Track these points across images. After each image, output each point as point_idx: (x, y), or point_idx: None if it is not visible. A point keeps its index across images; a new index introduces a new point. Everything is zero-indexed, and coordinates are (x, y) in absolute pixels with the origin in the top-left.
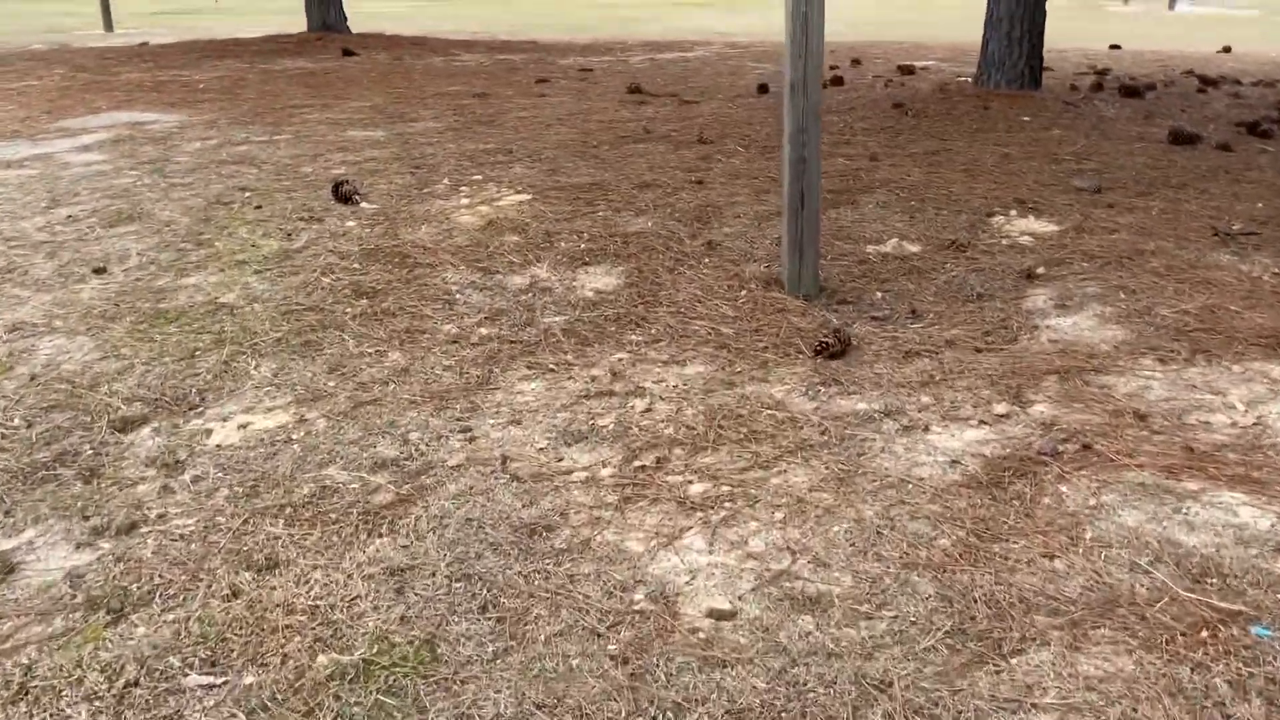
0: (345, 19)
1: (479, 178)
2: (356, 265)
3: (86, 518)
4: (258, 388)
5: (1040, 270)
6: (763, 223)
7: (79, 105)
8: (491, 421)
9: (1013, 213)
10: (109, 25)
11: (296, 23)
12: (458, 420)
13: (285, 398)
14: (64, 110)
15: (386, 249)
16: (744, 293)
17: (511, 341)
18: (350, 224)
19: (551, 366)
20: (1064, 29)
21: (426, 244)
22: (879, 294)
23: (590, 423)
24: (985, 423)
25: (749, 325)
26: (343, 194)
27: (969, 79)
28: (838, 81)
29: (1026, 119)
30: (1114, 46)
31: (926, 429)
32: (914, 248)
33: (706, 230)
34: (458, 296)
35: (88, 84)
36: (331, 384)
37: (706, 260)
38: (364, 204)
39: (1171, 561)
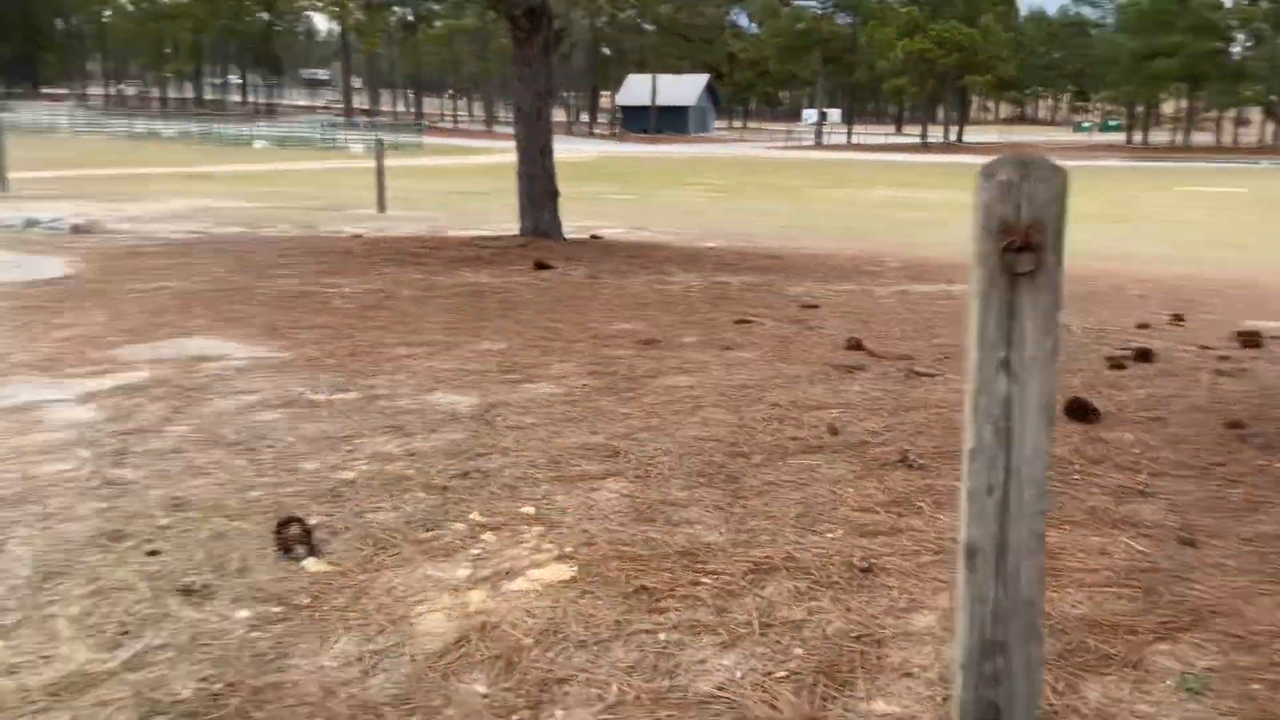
0: (559, 224)
1: (529, 511)
2: None
3: None
4: None
5: None
6: None
7: (170, 325)
8: None
9: None
10: (382, 205)
11: None
12: None
13: None
14: (148, 330)
15: (263, 692)
16: None
17: None
18: (241, 614)
19: None
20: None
21: (315, 695)
22: None
23: None
24: None
25: None
26: (288, 539)
27: None
28: (1144, 356)
29: None
30: None
31: None
32: None
33: None
34: None
35: (222, 291)
36: None
37: None
38: (308, 561)
39: None
